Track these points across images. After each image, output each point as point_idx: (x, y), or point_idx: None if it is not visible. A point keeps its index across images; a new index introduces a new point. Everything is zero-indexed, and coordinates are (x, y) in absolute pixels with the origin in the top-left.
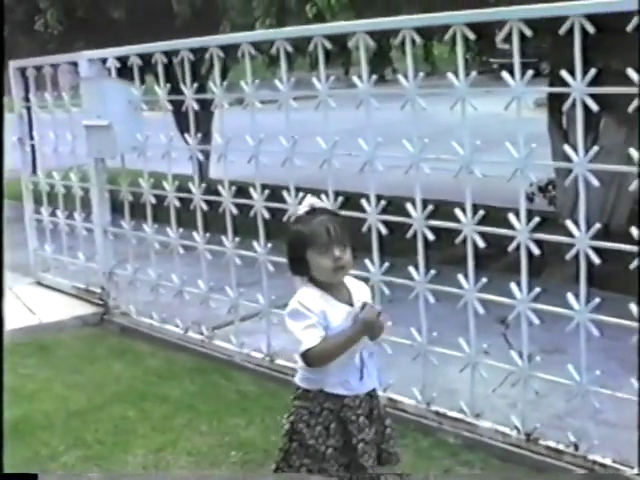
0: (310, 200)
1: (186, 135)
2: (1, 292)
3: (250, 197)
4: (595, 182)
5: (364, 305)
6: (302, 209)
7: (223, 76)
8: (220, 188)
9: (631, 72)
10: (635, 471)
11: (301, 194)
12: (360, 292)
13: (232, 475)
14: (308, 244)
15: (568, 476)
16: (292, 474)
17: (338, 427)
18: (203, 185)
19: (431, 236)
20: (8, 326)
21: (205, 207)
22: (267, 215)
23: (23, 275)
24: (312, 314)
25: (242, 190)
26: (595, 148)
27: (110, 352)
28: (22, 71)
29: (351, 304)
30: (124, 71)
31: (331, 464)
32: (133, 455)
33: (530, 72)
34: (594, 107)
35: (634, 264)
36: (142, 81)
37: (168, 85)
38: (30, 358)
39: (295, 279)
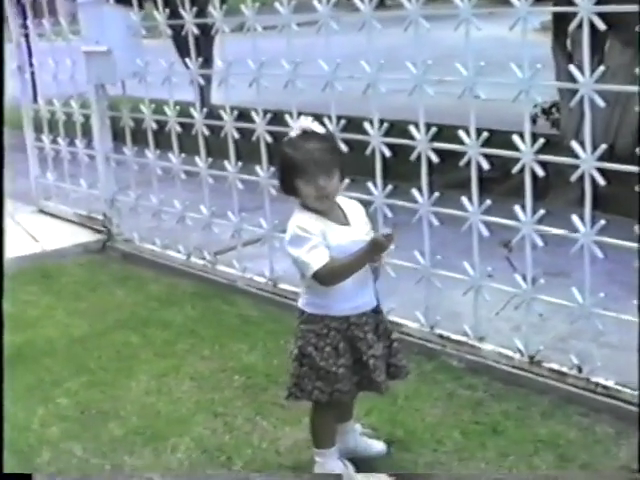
0: (302, 122)
1: (187, 60)
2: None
3: (252, 121)
4: (601, 102)
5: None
6: (294, 131)
7: (223, 1)
8: (222, 113)
9: None
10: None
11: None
12: (355, 211)
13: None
14: (295, 171)
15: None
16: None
17: (346, 346)
18: (205, 110)
19: (435, 159)
20: (11, 254)
21: (207, 132)
22: (269, 139)
23: (25, 203)
24: (313, 235)
25: (244, 115)
26: (601, 68)
27: (112, 279)
28: None
29: (347, 224)
30: None
31: (344, 384)
32: (136, 381)
33: None
34: (602, 26)
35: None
36: (141, 6)
37: (167, 10)
38: (32, 285)
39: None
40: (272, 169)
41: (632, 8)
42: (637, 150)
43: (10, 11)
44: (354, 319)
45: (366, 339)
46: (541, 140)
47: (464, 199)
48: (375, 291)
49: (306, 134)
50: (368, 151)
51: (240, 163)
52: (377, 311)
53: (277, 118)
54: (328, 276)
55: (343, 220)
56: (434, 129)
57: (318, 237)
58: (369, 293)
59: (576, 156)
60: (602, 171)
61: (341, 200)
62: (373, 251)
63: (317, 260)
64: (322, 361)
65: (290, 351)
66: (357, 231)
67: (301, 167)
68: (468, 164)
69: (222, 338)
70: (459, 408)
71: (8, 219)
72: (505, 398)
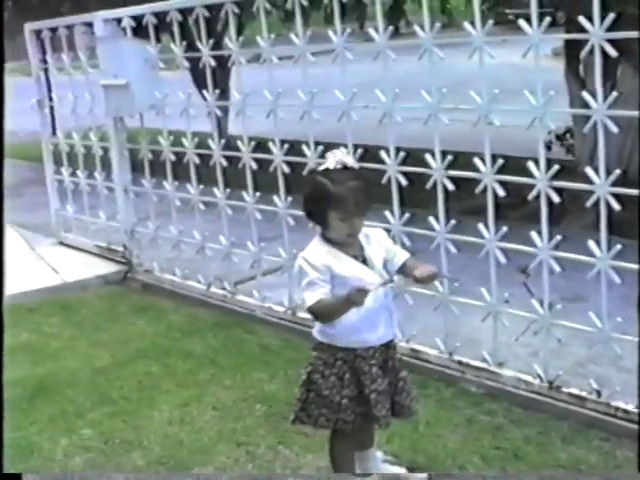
0: (342, 157)
1: (204, 92)
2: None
3: (269, 152)
4: (614, 128)
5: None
6: (333, 162)
7: (239, 32)
8: (239, 144)
9: None
10: None
11: (320, 148)
12: (374, 242)
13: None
14: (331, 205)
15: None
16: None
17: (352, 378)
18: (222, 141)
19: (451, 186)
20: (31, 286)
21: (225, 163)
22: (287, 169)
23: (46, 236)
24: (314, 270)
25: (261, 145)
26: (614, 94)
27: (133, 309)
28: (37, 33)
29: (363, 256)
30: (139, 30)
31: (347, 414)
32: (159, 411)
33: (547, 19)
34: (613, 53)
35: None
36: (158, 40)
37: (184, 43)
38: (54, 317)
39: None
40: (290, 199)
41: None
42: None
43: (30, 45)
44: (360, 352)
45: (370, 373)
46: (555, 166)
47: (481, 226)
48: (396, 324)
49: (347, 170)
50: (384, 180)
51: (258, 193)
52: (389, 346)
53: (294, 148)
54: (319, 314)
55: (358, 252)
56: (450, 157)
57: (319, 272)
58: (378, 328)
59: (591, 181)
60: (617, 196)
61: (364, 230)
62: (349, 303)
63: (311, 297)
64: (326, 390)
65: (300, 376)
66: (369, 265)
67: (341, 204)
68: (484, 191)
69: (243, 367)
70: (479, 434)
71: (29, 251)
72: (525, 423)
